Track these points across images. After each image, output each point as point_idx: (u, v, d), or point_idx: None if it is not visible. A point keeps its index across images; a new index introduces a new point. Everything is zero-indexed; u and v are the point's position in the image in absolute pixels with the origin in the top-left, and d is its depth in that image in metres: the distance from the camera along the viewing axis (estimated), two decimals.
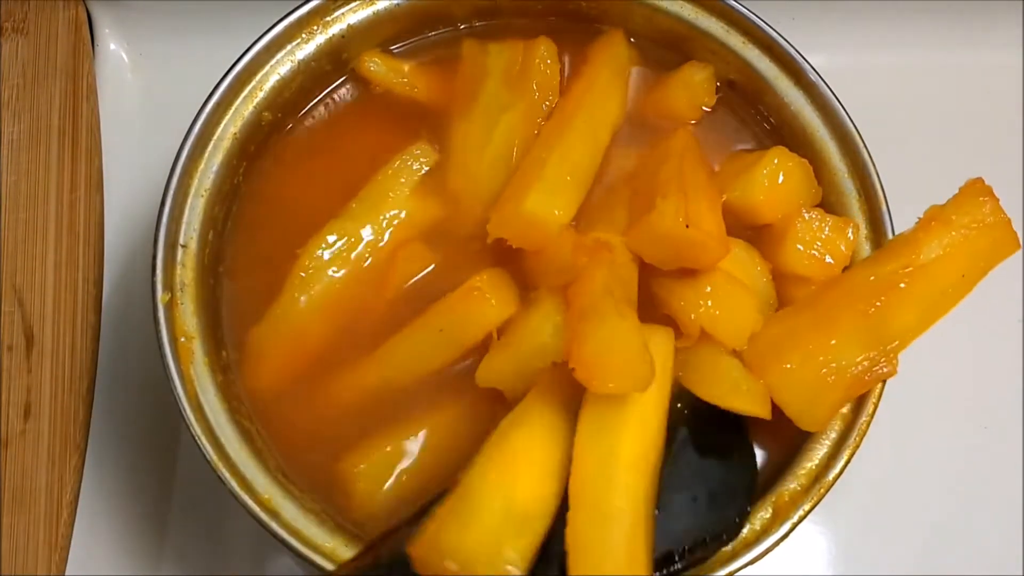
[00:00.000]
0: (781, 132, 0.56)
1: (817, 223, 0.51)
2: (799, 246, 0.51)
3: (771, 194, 0.52)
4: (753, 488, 0.48)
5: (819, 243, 0.51)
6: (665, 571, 0.45)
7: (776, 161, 0.52)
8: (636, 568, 0.42)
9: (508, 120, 0.54)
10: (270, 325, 0.52)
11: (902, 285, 0.48)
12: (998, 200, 0.50)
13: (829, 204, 0.54)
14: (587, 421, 0.44)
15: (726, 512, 0.47)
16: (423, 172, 0.54)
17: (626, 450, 0.43)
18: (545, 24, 0.58)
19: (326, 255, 0.52)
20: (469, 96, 0.55)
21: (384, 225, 0.53)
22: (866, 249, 0.53)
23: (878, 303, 0.47)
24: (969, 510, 0.62)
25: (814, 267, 0.51)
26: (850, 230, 0.51)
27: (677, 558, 0.45)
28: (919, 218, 0.49)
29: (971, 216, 0.49)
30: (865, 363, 0.47)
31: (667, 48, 0.57)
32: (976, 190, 0.49)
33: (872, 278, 0.48)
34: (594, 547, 0.42)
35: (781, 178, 0.52)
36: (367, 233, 0.53)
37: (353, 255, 0.52)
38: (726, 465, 0.48)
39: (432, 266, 0.53)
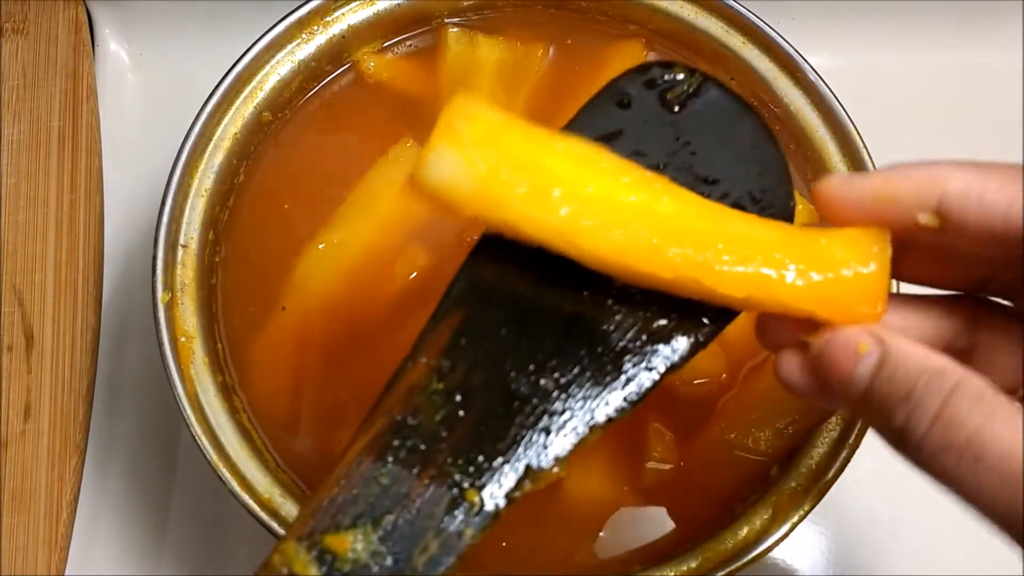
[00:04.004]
0: (776, 125, 0.56)
1: None
2: None
3: None
4: (789, 174, 0.41)
5: None
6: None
7: None
8: None
9: None
10: (270, 339, 0.52)
11: None
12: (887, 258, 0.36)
13: None
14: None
15: (775, 202, 0.40)
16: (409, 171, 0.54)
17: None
18: (547, 16, 0.58)
19: (319, 265, 0.52)
20: (459, 91, 0.55)
21: (375, 228, 0.53)
22: None
23: None
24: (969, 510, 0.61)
25: None
26: None
27: None
28: None
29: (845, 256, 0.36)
30: None
31: (676, 43, 0.57)
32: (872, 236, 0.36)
33: None
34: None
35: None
36: (359, 238, 0.53)
37: (347, 262, 0.52)
38: (755, 160, 0.41)
39: (429, 265, 0.53)
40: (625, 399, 0.36)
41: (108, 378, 0.62)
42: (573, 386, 0.36)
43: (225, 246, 0.54)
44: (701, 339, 0.37)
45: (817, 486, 0.48)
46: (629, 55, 0.57)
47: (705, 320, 0.37)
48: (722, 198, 0.39)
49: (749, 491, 0.50)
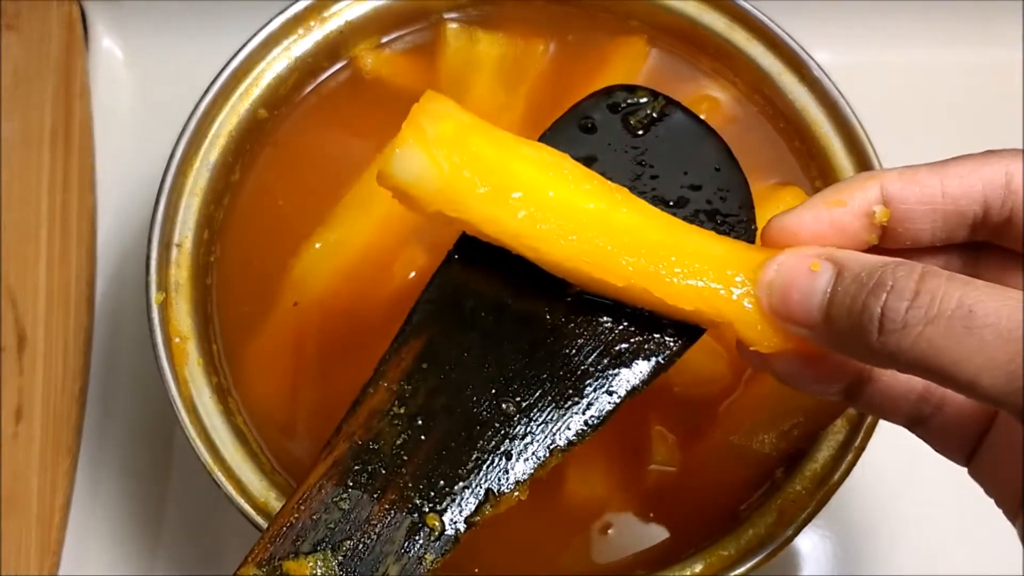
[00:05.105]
0: (781, 122, 0.56)
1: None
2: None
3: None
4: (751, 198, 0.41)
5: None
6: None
7: (788, 200, 0.52)
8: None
9: (507, 121, 0.54)
10: (266, 340, 0.51)
11: None
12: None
13: None
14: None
15: (736, 226, 0.41)
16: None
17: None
18: (548, 11, 0.57)
19: (317, 264, 0.52)
20: (458, 88, 0.55)
21: (373, 227, 0.52)
22: None
23: None
24: (973, 511, 0.61)
25: None
26: None
27: None
28: None
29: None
30: None
31: (679, 39, 0.57)
32: None
33: None
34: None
35: None
36: (357, 238, 0.52)
37: (345, 262, 0.52)
38: (718, 184, 0.41)
39: (428, 265, 0.52)
40: (586, 423, 0.37)
41: (101, 380, 0.62)
42: (535, 410, 0.37)
43: (220, 245, 0.53)
44: (663, 362, 0.38)
45: (822, 490, 0.48)
46: (631, 51, 0.56)
47: (667, 342, 0.38)
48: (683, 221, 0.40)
49: (753, 494, 0.49)
